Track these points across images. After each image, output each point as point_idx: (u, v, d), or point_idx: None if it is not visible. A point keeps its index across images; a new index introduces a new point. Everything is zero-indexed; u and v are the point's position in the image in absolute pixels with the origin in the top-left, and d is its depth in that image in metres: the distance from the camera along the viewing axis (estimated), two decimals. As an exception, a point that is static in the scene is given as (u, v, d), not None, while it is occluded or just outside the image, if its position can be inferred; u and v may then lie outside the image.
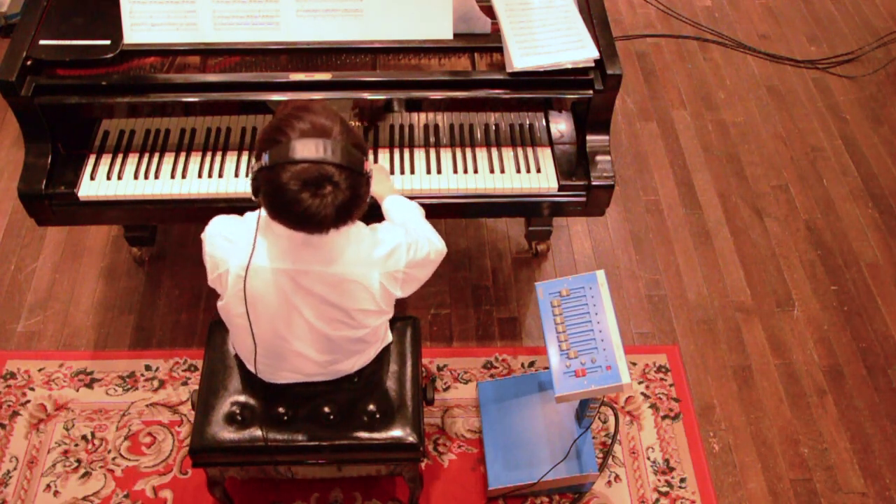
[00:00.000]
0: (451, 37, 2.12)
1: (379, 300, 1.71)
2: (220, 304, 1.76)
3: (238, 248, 1.63)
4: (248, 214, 1.72)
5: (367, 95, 2.05)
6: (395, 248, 1.70)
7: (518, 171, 2.18)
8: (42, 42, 2.05)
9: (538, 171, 2.18)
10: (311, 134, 1.47)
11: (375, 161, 2.19)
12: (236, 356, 1.98)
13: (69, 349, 2.53)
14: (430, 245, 1.80)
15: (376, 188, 1.99)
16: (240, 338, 1.82)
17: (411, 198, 2.12)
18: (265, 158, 1.47)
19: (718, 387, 2.52)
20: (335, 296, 1.66)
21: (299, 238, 1.58)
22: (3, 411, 2.38)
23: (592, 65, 2.08)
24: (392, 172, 2.17)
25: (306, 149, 1.44)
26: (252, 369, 1.89)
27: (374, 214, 1.90)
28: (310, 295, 1.66)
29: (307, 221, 1.49)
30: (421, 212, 1.95)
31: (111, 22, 2.07)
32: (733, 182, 3.08)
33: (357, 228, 1.68)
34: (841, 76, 3.51)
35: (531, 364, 2.53)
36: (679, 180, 3.08)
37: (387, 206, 1.95)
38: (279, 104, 1.93)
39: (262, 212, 1.58)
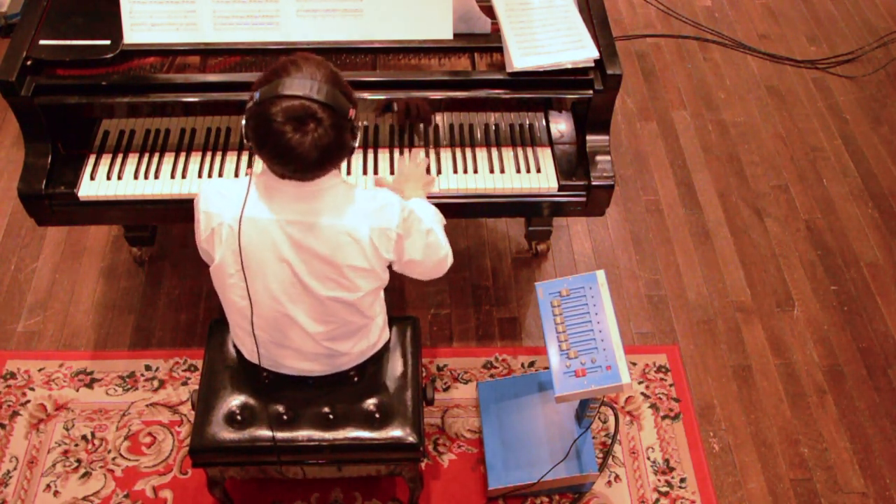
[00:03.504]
0: (451, 37, 2.12)
1: (370, 256, 1.71)
2: (212, 267, 1.76)
3: (232, 202, 1.67)
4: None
5: (367, 95, 2.05)
6: (387, 204, 1.72)
7: (518, 171, 2.18)
8: (42, 42, 2.05)
9: (538, 171, 2.18)
10: (301, 76, 1.54)
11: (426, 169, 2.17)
12: (237, 353, 1.98)
13: (69, 349, 2.53)
14: (431, 232, 1.82)
15: (407, 191, 2.01)
16: (235, 312, 1.81)
17: (411, 198, 2.13)
18: (256, 96, 1.55)
19: (718, 387, 2.52)
20: (325, 249, 1.67)
21: (291, 191, 1.63)
22: (3, 411, 2.38)
23: (592, 65, 2.08)
24: (392, 172, 2.17)
25: (293, 86, 1.52)
26: (247, 354, 1.90)
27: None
28: (301, 248, 1.67)
29: (289, 157, 1.55)
30: (439, 217, 1.96)
31: (111, 22, 2.07)
32: (733, 182, 3.08)
33: (349, 185, 1.73)
34: (841, 76, 3.51)
35: (531, 364, 2.53)
36: (679, 180, 3.08)
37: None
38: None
39: (254, 166, 1.64)
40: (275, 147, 1.55)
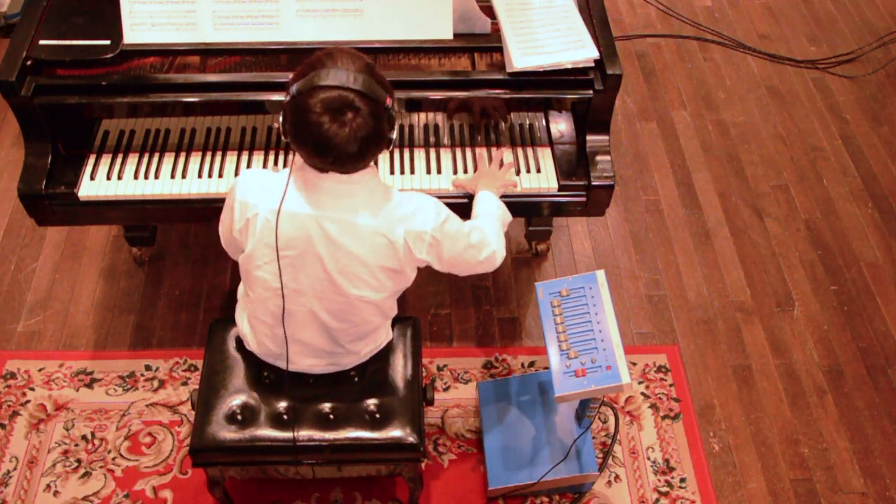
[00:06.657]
0: (451, 37, 2.12)
1: (402, 258, 1.72)
2: (242, 256, 1.77)
3: (271, 193, 1.67)
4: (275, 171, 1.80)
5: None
6: (421, 208, 1.73)
7: (518, 171, 2.18)
8: (42, 42, 2.05)
9: (538, 171, 2.18)
10: (336, 68, 1.56)
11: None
12: (238, 352, 1.98)
13: (69, 349, 2.53)
14: (475, 231, 1.83)
15: (479, 183, 2.05)
16: (258, 304, 1.81)
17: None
18: (293, 89, 1.56)
19: (718, 387, 2.52)
20: (360, 248, 1.68)
21: (329, 186, 1.64)
22: (3, 411, 2.38)
23: (592, 65, 2.08)
24: (392, 172, 2.17)
25: (329, 76, 1.54)
26: (253, 346, 1.91)
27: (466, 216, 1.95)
28: (335, 245, 1.67)
29: (328, 148, 1.56)
30: (501, 213, 1.99)
31: (111, 22, 2.07)
32: (733, 182, 3.08)
33: (386, 187, 1.74)
34: (841, 76, 3.51)
35: (531, 364, 2.53)
36: (679, 180, 3.08)
37: (476, 198, 2.02)
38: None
39: (295, 160, 1.68)
40: (314, 140, 1.55)
